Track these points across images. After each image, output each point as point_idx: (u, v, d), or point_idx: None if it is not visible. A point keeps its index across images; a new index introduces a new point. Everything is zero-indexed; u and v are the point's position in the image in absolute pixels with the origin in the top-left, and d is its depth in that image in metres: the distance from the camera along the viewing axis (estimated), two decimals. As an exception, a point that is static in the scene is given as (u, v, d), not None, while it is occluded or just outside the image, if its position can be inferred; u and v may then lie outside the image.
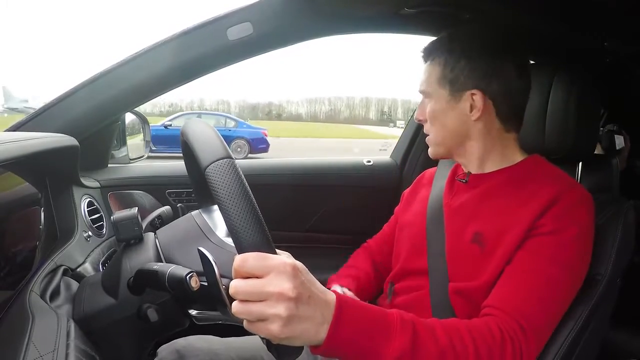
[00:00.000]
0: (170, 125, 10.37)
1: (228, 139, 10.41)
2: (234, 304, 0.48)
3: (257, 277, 0.47)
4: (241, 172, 0.50)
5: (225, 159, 0.51)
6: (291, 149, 14.43)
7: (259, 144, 11.31)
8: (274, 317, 0.47)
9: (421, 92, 0.84)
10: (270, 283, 0.47)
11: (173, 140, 8.30)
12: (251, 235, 0.48)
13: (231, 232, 0.48)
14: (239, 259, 0.47)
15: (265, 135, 11.75)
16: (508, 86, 0.77)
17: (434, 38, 0.83)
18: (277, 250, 0.50)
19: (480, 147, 0.81)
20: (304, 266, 0.51)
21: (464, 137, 0.81)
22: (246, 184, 0.50)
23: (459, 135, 0.81)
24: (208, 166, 0.50)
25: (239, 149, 10.94)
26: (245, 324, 0.49)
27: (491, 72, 0.76)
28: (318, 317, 0.50)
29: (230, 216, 0.48)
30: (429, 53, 0.82)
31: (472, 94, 0.77)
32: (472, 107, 0.78)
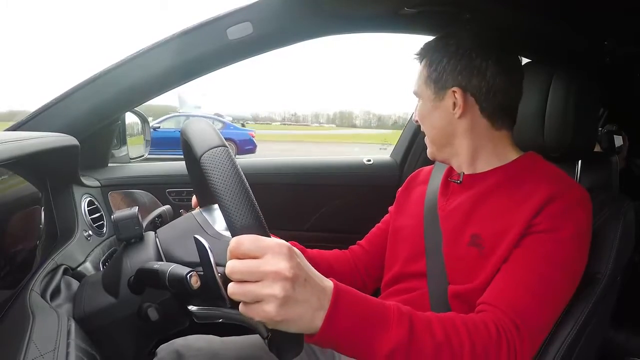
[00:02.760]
0: (159, 127, 10.28)
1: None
2: (230, 285, 0.48)
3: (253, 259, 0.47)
4: (235, 160, 0.50)
5: (219, 147, 0.51)
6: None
7: (246, 145, 11.38)
8: (270, 298, 0.46)
9: (414, 93, 0.88)
10: (266, 263, 0.47)
11: (163, 142, 8.23)
12: (245, 218, 0.48)
13: (225, 216, 0.48)
14: (234, 241, 0.47)
15: (253, 137, 11.76)
16: (489, 83, 0.78)
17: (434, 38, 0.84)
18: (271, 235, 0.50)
19: (469, 145, 0.81)
20: (299, 251, 0.50)
21: (451, 135, 0.82)
22: (240, 171, 0.50)
23: (446, 134, 0.83)
24: (202, 155, 0.51)
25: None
26: (240, 307, 0.48)
27: (470, 70, 0.78)
28: (314, 302, 0.50)
29: (224, 200, 0.48)
30: (419, 55, 0.85)
31: (454, 92, 0.79)
32: (454, 105, 0.79)
